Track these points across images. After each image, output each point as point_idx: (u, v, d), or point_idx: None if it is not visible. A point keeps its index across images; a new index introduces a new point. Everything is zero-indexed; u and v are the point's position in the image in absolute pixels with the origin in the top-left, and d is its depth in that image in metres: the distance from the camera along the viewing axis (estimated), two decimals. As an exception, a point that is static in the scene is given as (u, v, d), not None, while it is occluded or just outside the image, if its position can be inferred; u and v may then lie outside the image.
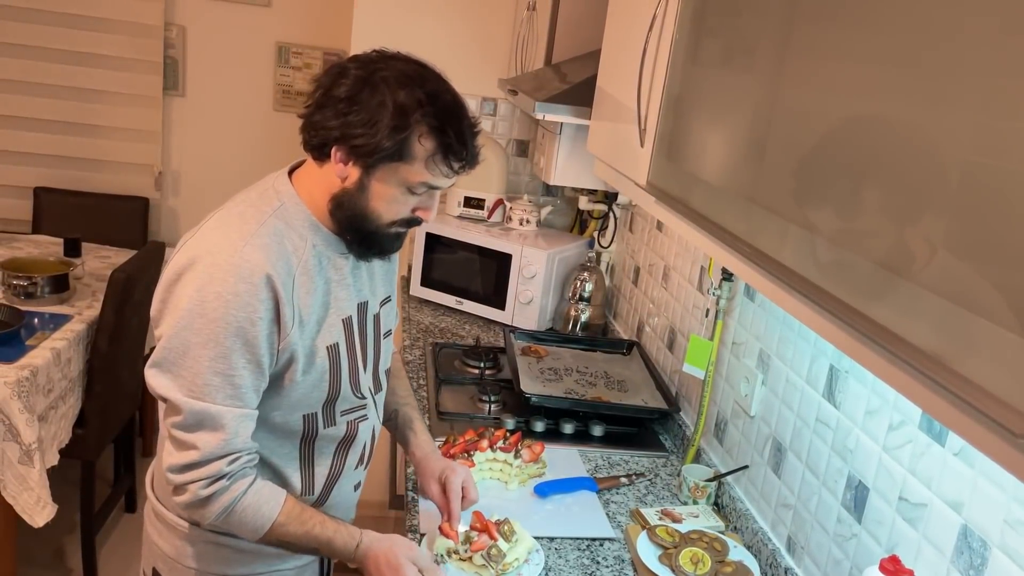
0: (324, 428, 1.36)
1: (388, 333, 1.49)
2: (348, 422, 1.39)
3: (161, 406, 1.29)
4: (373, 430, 1.47)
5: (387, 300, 1.47)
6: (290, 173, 1.36)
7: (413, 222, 1.31)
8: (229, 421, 1.21)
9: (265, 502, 1.26)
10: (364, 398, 1.41)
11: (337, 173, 1.24)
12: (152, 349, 1.26)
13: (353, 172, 1.24)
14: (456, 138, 1.23)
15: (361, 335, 1.38)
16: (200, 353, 1.19)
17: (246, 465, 1.25)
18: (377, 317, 1.43)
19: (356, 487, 1.50)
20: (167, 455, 1.24)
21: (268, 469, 1.34)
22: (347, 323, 1.34)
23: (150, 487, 1.45)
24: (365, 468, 1.50)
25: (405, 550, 1.33)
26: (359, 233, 1.30)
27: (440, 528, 1.49)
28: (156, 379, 1.23)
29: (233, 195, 1.37)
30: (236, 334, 1.19)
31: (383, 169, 1.23)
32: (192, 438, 1.21)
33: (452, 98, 1.25)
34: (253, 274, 1.19)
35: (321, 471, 1.39)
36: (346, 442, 1.41)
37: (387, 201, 1.25)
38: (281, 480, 1.36)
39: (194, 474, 1.22)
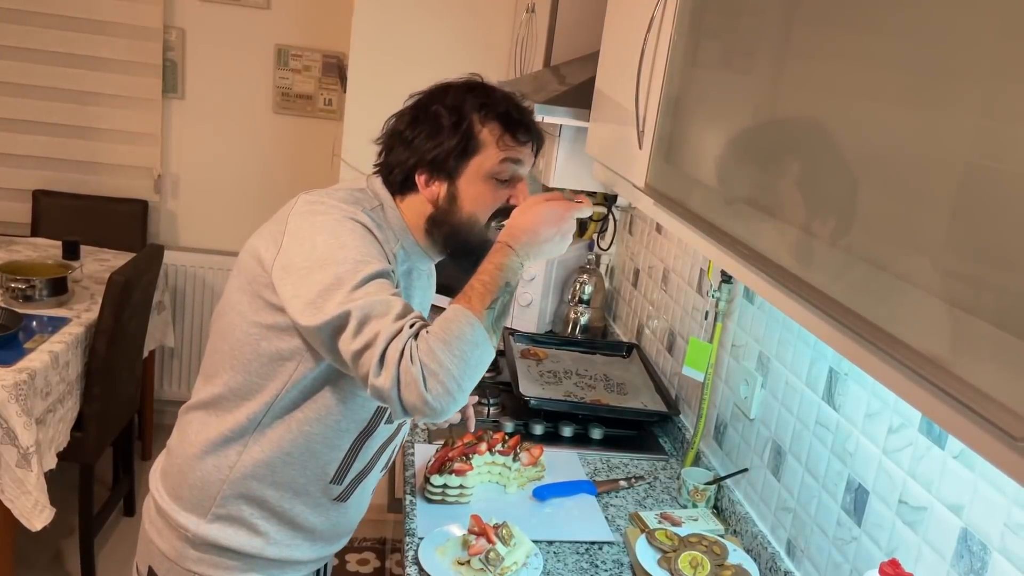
0: (385, 423, 1.38)
1: None
2: (399, 423, 1.42)
3: (220, 353, 1.31)
4: (403, 436, 1.50)
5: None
6: None
7: (509, 210, 1.32)
8: (396, 300, 1.16)
9: (442, 316, 1.16)
10: None
11: (427, 198, 1.32)
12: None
13: (440, 188, 1.31)
14: (513, 110, 1.32)
15: None
16: (348, 273, 1.16)
17: (420, 326, 1.15)
18: None
19: (372, 490, 1.51)
20: (372, 381, 1.12)
21: (315, 446, 1.32)
22: None
23: (157, 482, 1.43)
24: (383, 473, 1.50)
25: (551, 210, 1.26)
26: (464, 243, 1.35)
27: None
28: (315, 317, 1.16)
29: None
30: (377, 257, 1.21)
31: (463, 170, 1.30)
32: (369, 331, 1.12)
33: (492, 85, 1.35)
34: (372, 231, 1.24)
35: (357, 466, 1.40)
36: (388, 442, 1.43)
37: (480, 200, 1.32)
38: (318, 462, 1.34)
39: (390, 357, 1.10)
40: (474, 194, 1.31)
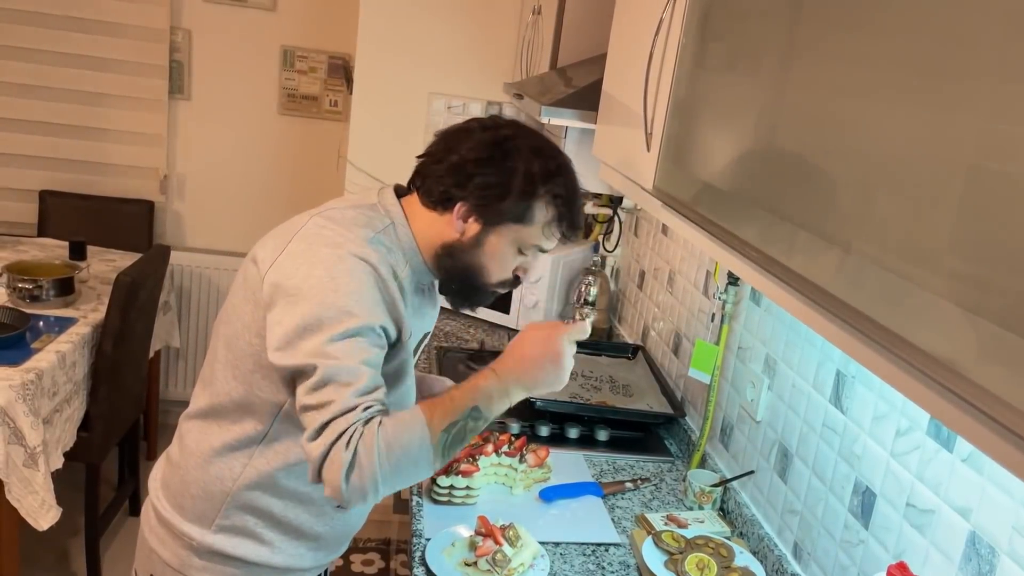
0: None
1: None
2: None
3: (222, 362, 1.30)
4: None
5: (426, 335, 1.49)
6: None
7: (515, 282, 1.39)
8: (365, 374, 1.15)
9: (402, 417, 1.15)
10: None
11: (456, 227, 1.31)
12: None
13: (472, 228, 1.30)
14: (577, 212, 1.33)
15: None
16: (331, 320, 1.16)
17: (376, 412, 1.15)
18: (416, 350, 1.45)
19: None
20: (304, 440, 1.14)
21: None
22: (414, 346, 1.38)
23: (158, 491, 1.42)
24: None
25: (552, 340, 1.24)
26: (464, 285, 1.36)
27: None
28: (284, 357, 1.18)
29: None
30: (372, 306, 1.20)
31: (503, 229, 1.30)
32: (326, 396, 1.13)
33: (575, 175, 1.34)
34: (379, 266, 1.23)
35: None
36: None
37: (499, 259, 1.33)
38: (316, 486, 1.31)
39: (330, 433, 1.11)
40: (498, 253, 1.32)
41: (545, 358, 1.22)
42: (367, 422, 1.11)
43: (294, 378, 1.19)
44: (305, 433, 1.14)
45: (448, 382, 1.59)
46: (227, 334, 1.32)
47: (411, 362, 1.39)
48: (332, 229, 1.26)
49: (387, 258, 1.27)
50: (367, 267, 1.22)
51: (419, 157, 1.36)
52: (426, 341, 1.50)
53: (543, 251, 1.36)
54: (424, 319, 1.42)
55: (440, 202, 1.31)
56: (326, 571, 1.53)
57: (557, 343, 1.22)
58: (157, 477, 1.45)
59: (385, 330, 1.23)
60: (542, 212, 1.30)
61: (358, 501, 1.12)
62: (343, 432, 1.10)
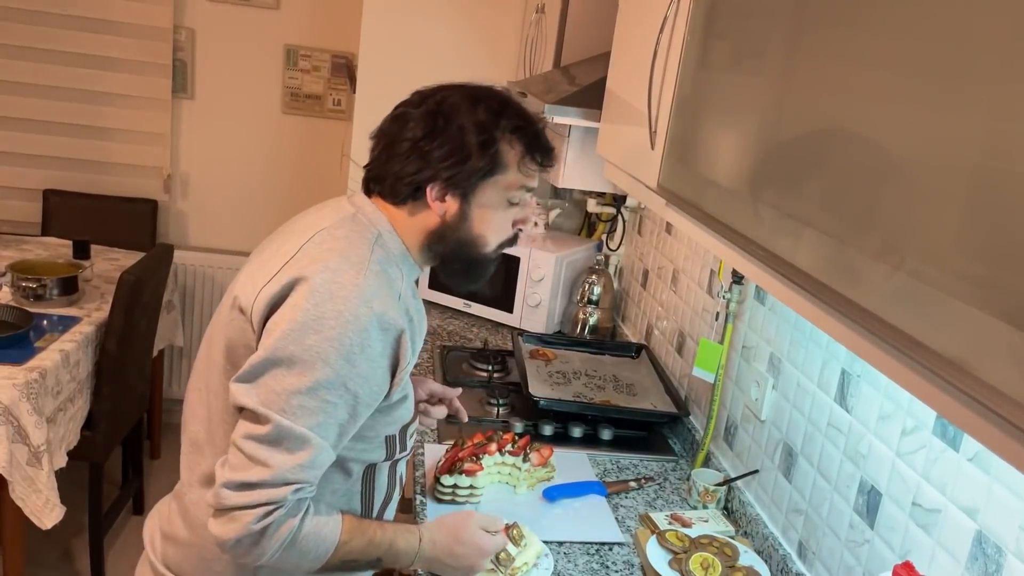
0: (399, 452, 1.32)
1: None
2: (412, 442, 1.38)
3: (218, 418, 1.22)
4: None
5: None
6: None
7: (514, 239, 1.34)
8: (312, 448, 1.12)
9: (324, 524, 1.17)
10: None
11: (436, 211, 1.25)
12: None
13: (452, 205, 1.25)
14: (541, 134, 1.28)
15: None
16: (304, 371, 1.11)
17: (306, 499, 1.16)
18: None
19: (396, 505, 1.44)
20: (228, 470, 1.12)
21: (327, 506, 1.24)
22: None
23: (164, 556, 1.31)
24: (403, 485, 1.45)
25: (468, 521, 1.31)
26: (466, 263, 1.31)
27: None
28: (244, 391, 1.13)
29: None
30: (346, 359, 1.12)
31: (481, 189, 1.25)
32: (267, 455, 1.10)
33: (520, 103, 1.30)
34: (373, 301, 1.15)
35: (379, 496, 1.34)
36: (399, 461, 1.37)
37: (492, 221, 1.28)
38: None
39: (253, 496, 1.10)
40: (487, 216, 1.27)
41: (473, 552, 1.30)
42: (292, 512, 1.13)
43: (239, 412, 1.15)
44: (226, 468, 1.13)
45: (430, 384, 1.60)
46: (208, 394, 1.25)
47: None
48: (336, 270, 1.16)
49: (388, 279, 1.20)
50: (375, 331, 1.15)
51: (366, 167, 1.30)
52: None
53: (530, 190, 1.30)
54: (423, 318, 1.37)
55: (410, 195, 1.24)
56: None
57: (480, 562, 1.31)
58: (156, 535, 1.34)
59: (370, 394, 1.17)
60: (509, 152, 1.25)
61: (227, 554, 1.16)
62: (263, 503, 1.10)
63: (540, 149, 1.28)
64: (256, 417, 1.12)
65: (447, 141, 1.21)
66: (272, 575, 1.25)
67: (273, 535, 1.11)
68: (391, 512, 1.42)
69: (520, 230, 1.34)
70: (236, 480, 1.11)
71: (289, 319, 1.12)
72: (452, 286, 1.36)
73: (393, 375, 1.20)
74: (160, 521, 1.36)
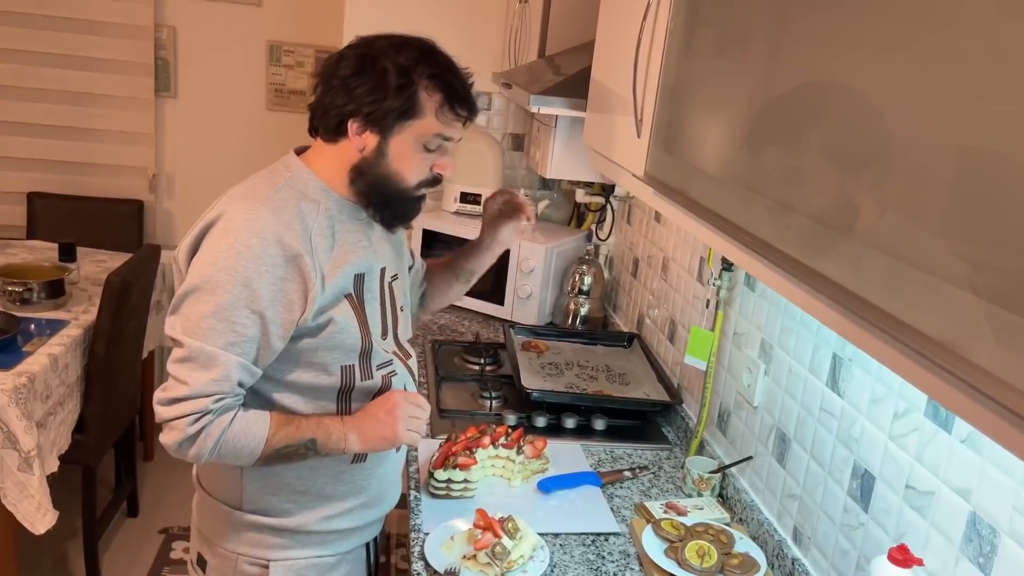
0: (361, 381, 1.40)
1: (402, 309, 1.52)
2: (383, 375, 1.43)
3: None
4: (405, 387, 1.49)
5: (395, 278, 1.49)
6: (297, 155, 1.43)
7: (435, 181, 1.40)
8: (223, 363, 1.26)
9: (254, 422, 1.30)
10: (389, 355, 1.45)
11: (355, 145, 1.34)
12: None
13: (371, 140, 1.33)
14: (458, 85, 1.35)
15: (381, 296, 1.43)
16: (207, 298, 1.26)
17: (232, 406, 1.29)
18: (391, 287, 1.47)
19: (398, 448, 1.52)
20: (160, 390, 1.29)
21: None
22: (362, 279, 1.38)
23: (196, 478, 1.52)
24: None
25: (392, 395, 1.39)
26: (383, 197, 1.38)
27: None
28: (170, 323, 1.30)
29: (222, 193, 1.44)
30: (243, 284, 1.25)
31: (398, 130, 1.32)
32: (185, 374, 1.26)
33: (444, 53, 1.37)
34: (265, 231, 1.27)
35: None
36: (379, 393, 1.44)
37: (407, 161, 1.35)
38: None
39: (179, 408, 1.26)
40: (404, 155, 1.34)
41: (381, 410, 1.37)
42: (219, 416, 1.27)
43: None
44: (163, 389, 1.29)
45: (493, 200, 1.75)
46: None
47: (386, 299, 1.43)
48: (231, 212, 1.29)
49: (294, 210, 1.31)
50: (261, 245, 1.27)
51: (309, 107, 1.40)
52: (397, 284, 1.50)
53: (448, 139, 1.37)
54: (377, 253, 1.43)
55: (335, 129, 1.34)
56: (374, 551, 1.59)
57: (394, 397, 1.38)
58: (199, 474, 1.52)
59: (273, 311, 1.28)
60: (428, 99, 1.32)
61: (176, 456, 1.30)
62: (189, 414, 1.26)
63: (458, 99, 1.34)
64: (177, 343, 1.28)
65: (370, 79, 1.30)
66: (256, 476, 1.40)
67: (206, 436, 1.27)
68: (390, 459, 1.51)
69: (439, 175, 1.40)
70: (166, 397, 1.28)
71: (197, 259, 1.29)
72: (381, 224, 1.43)
73: (306, 298, 1.30)
74: None
